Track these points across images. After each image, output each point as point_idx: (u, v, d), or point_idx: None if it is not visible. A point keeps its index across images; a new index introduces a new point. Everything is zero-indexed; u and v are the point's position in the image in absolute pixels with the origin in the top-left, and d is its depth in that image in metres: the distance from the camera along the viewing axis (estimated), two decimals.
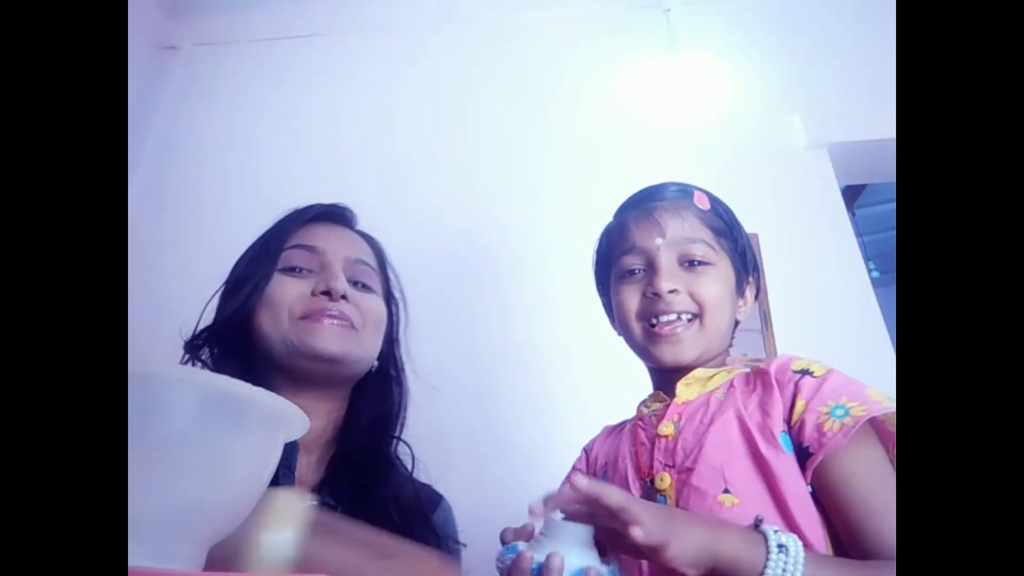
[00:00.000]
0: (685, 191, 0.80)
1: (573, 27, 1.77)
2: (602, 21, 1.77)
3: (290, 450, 0.67)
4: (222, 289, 0.82)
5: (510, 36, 1.76)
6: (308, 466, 0.74)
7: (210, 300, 0.82)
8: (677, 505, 0.66)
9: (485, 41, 1.76)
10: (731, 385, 0.71)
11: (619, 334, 0.82)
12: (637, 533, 0.49)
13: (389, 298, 0.88)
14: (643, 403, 0.79)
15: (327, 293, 0.76)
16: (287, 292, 0.77)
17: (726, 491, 0.62)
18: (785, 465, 0.61)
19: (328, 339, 0.74)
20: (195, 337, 0.79)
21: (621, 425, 0.84)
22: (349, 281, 0.79)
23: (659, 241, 0.75)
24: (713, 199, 0.81)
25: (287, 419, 0.38)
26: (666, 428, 0.71)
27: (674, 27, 1.73)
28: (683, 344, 0.73)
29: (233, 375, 0.35)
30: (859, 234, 2.45)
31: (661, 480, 0.67)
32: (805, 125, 1.52)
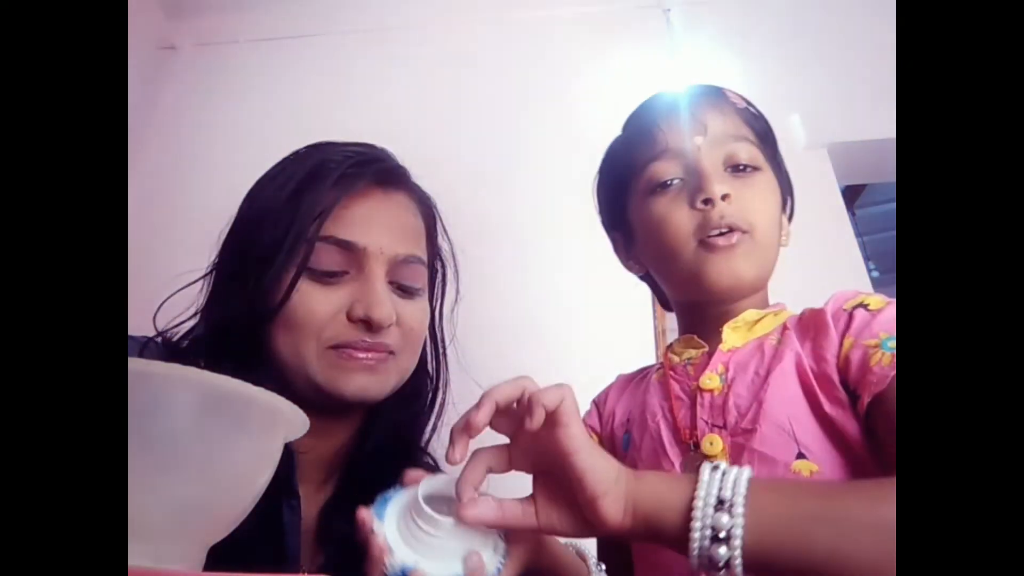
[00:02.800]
0: (713, 89, 0.67)
1: (573, 27, 1.77)
2: (602, 21, 1.77)
3: (288, 464, 0.57)
4: (213, 273, 0.64)
5: (510, 36, 1.76)
6: (316, 484, 0.64)
7: (202, 279, 0.65)
8: None
9: (485, 41, 1.76)
10: (784, 328, 0.60)
11: (644, 269, 0.70)
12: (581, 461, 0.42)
13: (432, 270, 0.71)
14: (671, 349, 0.67)
15: (366, 322, 0.59)
16: (315, 309, 0.58)
17: (800, 455, 0.51)
18: (853, 420, 0.51)
19: (360, 383, 0.59)
20: (180, 339, 0.63)
21: (642, 373, 0.72)
22: (393, 285, 0.62)
23: (699, 140, 0.61)
24: (749, 103, 0.67)
25: (287, 419, 0.38)
26: (710, 380, 0.59)
27: (674, 27, 1.73)
28: (741, 261, 0.59)
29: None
30: (859, 234, 2.45)
31: (711, 444, 0.55)
32: (805, 125, 1.52)
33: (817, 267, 1.47)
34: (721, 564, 0.39)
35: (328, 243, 0.59)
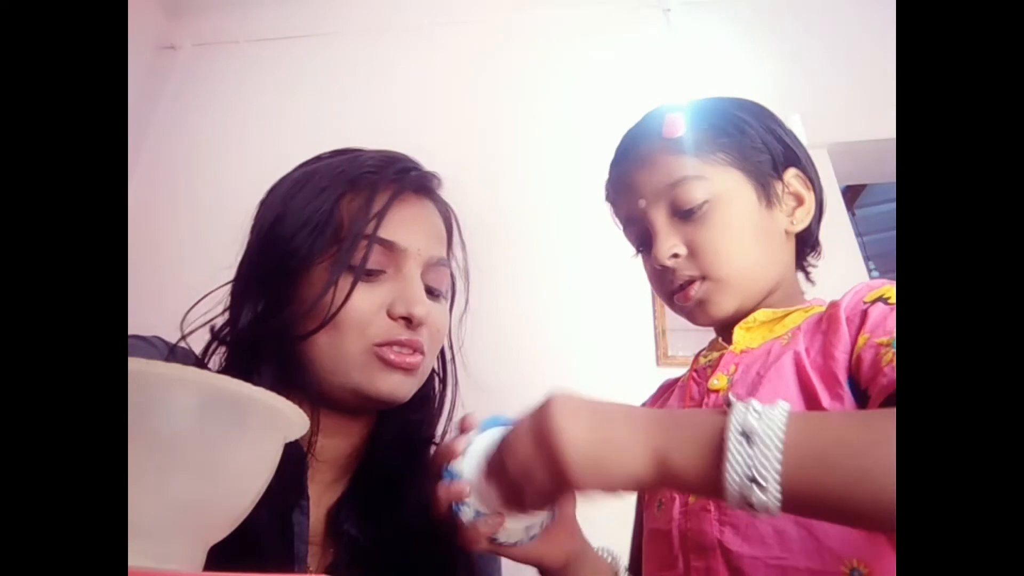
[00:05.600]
0: (651, 128, 0.65)
1: (573, 27, 1.77)
2: (602, 21, 1.77)
3: (298, 467, 0.59)
4: (238, 279, 0.64)
5: (510, 36, 1.76)
6: (325, 484, 0.64)
7: (228, 286, 0.64)
8: None
9: (485, 41, 1.76)
10: (798, 328, 0.59)
11: None
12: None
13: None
14: (702, 352, 0.68)
15: (408, 319, 0.60)
16: (361, 307, 0.59)
17: None
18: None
19: (394, 382, 0.60)
20: (221, 332, 0.62)
21: (679, 379, 0.72)
22: (426, 289, 0.64)
23: (642, 203, 0.63)
24: (694, 111, 0.65)
25: (287, 418, 0.38)
26: (718, 381, 0.60)
27: (674, 27, 1.73)
28: (710, 307, 0.61)
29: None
30: (859, 234, 2.45)
31: None
32: (805, 125, 1.52)
33: (817, 267, 1.47)
34: (756, 508, 0.38)
35: (375, 243, 0.61)
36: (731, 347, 0.61)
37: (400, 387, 0.61)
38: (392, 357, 0.60)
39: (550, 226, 1.49)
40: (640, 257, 0.68)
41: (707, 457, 0.40)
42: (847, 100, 1.55)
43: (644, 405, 0.73)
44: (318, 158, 0.69)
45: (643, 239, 0.65)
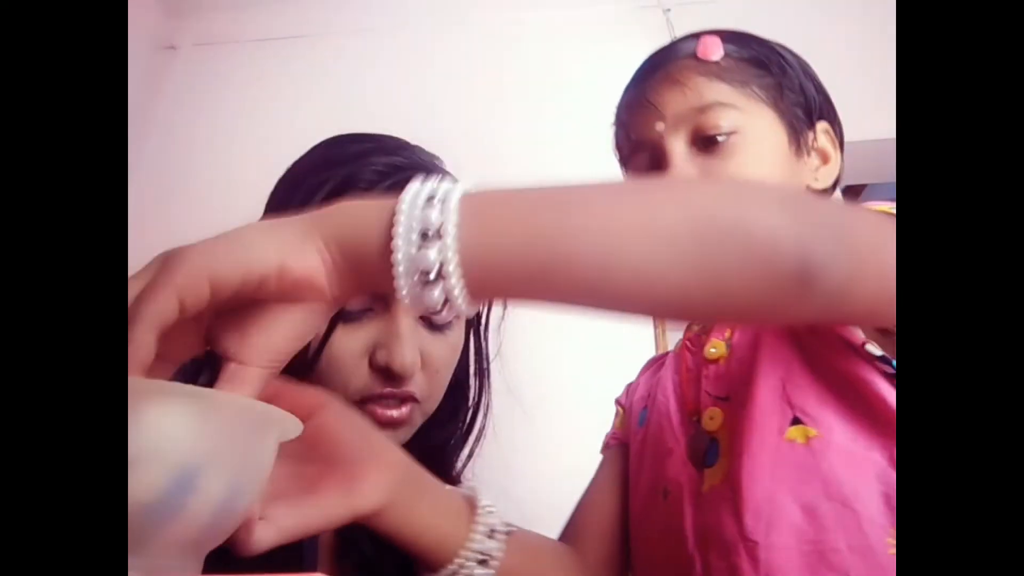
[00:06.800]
0: (684, 48, 0.60)
1: (572, 27, 1.77)
2: (602, 21, 1.77)
3: None
4: None
5: (509, 36, 1.77)
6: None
7: None
8: (732, 453, 0.47)
9: (485, 41, 1.76)
10: None
11: None
12: None
13: None
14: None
15: (388, 371, 0.52)
16: (340, 356, 0.52)
17: (796, 420, 0.46)
18: (879, 376, 0.45)
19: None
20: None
21: (668, 354, 0.67)
22: (422, 320, 0.55)
23: (660, 126, 0.56)
24: (731, 37, 0.61)
25: (279, 423, 0.37)
26: (715, 349, 0.54)
27: (674, 27, 1.73)
28: None
29: None
30: None
31: (711, 418, 0.50)
32: None
33: None
34: (438, 308, 0.32)
35: None
36: None
37: (393, 436, 0.53)
38: (378, 413, 0.52)
39: None
40: None
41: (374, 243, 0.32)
42: (847, 100, 1.55)
43: (633, 384, 0.68)
44: (327, 147, 0.62)
45: (652, 169, 0.57)
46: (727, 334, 0.54)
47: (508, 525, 0.47)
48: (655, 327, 1.40)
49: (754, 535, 0.44)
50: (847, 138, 1.60)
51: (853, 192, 2.91)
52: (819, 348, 0.47)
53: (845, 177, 1.73)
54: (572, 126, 1.61)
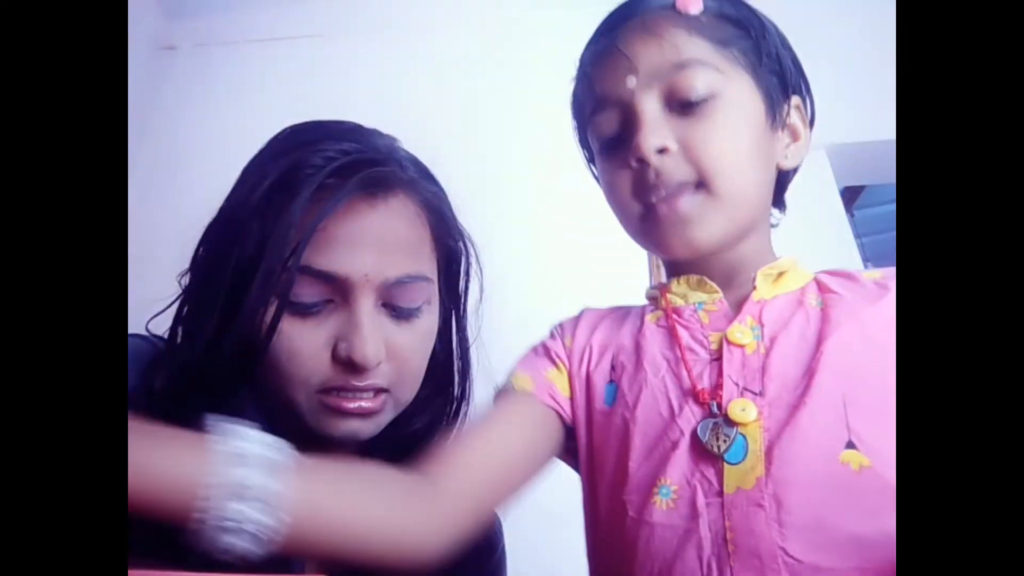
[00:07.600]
0: (649, 4, 0.54)
1: (572, 27, 1.77)
2: (599, 21, 1.77)
3: None
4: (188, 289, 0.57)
5: (509, 36, 1.76)
6: None
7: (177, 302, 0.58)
8: (771, 455, 0.43)
9: (484, 41, 1.76)
10: (822, 288, 0.52)
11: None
12: None
13: (448, 271, 0.63)
14: (668, 289, 0.55)
15: (351, 364, 0.51)
16: (299, 349, 0.51)
17: (850, 444, 0.42)
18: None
19: (351, 427, 0.53)
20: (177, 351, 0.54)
21: (621, 311, 0.60)
22: (387, 308, 0.54)
23: (631, 81, 0.50)
24: None
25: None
26: (742, 335, 0.49)
27: None
28: (694, 228, 0.49)
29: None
30: (858, 235, 2.44)
31: (742, 410, 0.45)
32: None
33: (815, 268, 1.47)
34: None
35: (307, 276, 0.51)
36: (752, 294, 0.51)
37: (360, 430, 0.53)
38: (343, 404, 0.52)
39: (551, 226, 1.49)
40: (600, 165, 0.55)
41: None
42: (847, 100, 1.55)
43: (567, 329, 0.59)
44: (277, 138, 0.62)
45: (619, 131, 0.52)
46: (749, 320, 0.50)
47: (280, 449, 0.38)
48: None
49: (799, 555, 0.41)
50: (846, 139, 1.60)
51: (852, 193, 2.92)
52: (885, 373, 0.44)
53: (845, 177, 1.72)
54: (568, 126, 1.61)
